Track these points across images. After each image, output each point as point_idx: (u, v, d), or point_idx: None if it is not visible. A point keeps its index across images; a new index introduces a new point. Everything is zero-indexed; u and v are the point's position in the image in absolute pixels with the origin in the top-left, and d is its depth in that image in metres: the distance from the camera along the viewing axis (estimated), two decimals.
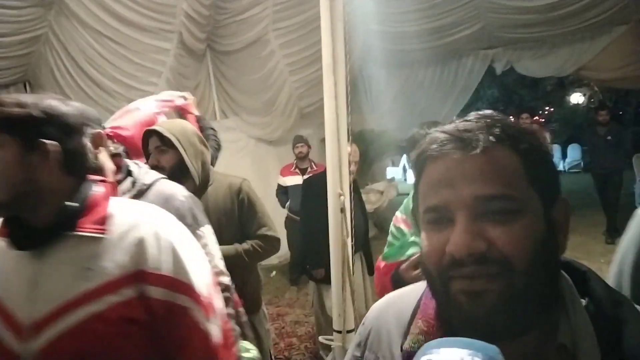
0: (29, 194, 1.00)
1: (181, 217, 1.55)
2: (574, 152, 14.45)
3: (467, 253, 0.59)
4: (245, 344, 1.68)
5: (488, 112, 0.68)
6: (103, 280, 1.00)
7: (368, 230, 3.61)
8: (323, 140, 2.65)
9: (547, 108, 17.55)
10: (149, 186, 1.59)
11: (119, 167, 1.57)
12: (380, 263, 1.87)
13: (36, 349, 0.97)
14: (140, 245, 1.04)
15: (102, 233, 1.03)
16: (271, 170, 6.09)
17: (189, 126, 2.18)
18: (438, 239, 0.63)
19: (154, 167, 1.99)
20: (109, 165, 1.55)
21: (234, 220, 2.28)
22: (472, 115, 0.67)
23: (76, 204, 1.04)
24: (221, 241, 2.00)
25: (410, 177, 12.95)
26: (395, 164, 13.67)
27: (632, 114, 11.82)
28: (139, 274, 1.03)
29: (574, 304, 0.64)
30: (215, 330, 1.13)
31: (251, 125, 6.37)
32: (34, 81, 4.90)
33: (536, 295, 0.61)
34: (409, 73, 7.25)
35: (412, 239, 1.78)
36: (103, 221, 1.05)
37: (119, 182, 1.55)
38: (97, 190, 1.09)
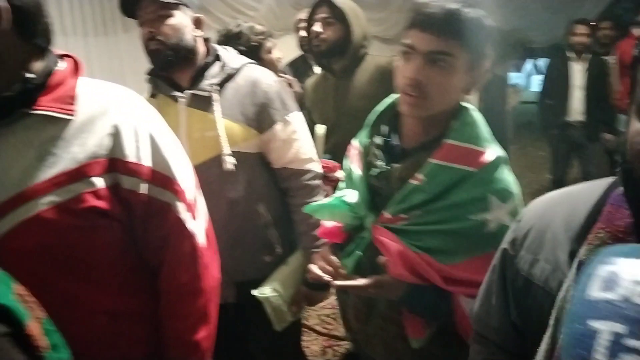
0: None
1: (269, 101, 1.57)
2: None
3: None
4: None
5: None
6: (68, 166, 0.89)
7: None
8: None
9: None
10: (237, 70, 1.59)
11: (208, 51, 1.60)
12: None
13: None
14: (114, 130, 0.93)
15: (69, 114, 0.90)
16: None
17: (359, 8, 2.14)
18: None
19: (315, 36, 2.03)
20: (201, 48, 1.58)
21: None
22: None
23: (36, 77, 0.90)
24: (358, 131, 2.01)
25: (535, 84, 11.92)
26: (518, 69, 12.59)
27: None
28: (113, 162, 0.93)
29: None
30: (200, 231, 1.05)
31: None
32: None
33: None
34: None
35: (346, 194, 1.19)
36: (70, 100, 0.91)
37: (208, 65, 1.57)
38: (63, 65, 0.95)
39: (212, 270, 1.08)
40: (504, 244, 0.79)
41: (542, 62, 12.73)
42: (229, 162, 1.52)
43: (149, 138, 0.98)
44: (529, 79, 12.44)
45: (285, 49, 3.67)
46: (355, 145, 1.21)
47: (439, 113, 1.06)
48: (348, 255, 1.18)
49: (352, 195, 1.16)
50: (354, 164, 1.20)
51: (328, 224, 1.27)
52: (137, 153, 0.95)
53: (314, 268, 1.18)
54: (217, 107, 1.53)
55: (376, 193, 1.14)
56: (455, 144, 1.03)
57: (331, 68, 2.15)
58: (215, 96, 1.53)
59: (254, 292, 1.61)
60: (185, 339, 1.04)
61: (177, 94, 1.55)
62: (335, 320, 2.98)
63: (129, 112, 0.97)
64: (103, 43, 4.83)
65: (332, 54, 2.08)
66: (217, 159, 1.53)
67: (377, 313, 1.20)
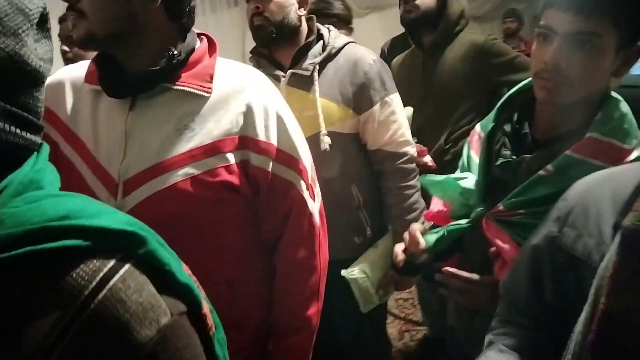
0: (129, 33, 0.89)
1: (369, 81, 1.55)
2: None
3: None
4: None
5: None
6: (203, 141, 0.93)
7: None
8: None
9: None
10: (338, 50, 1.58)
11: (310, 30, 1.60)
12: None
13: (130, 207, 0.91)
14: (247, 110, 0.97)
15: (207, 92, 0.95)
16: None
17: None
18: None
19: (410, 1, 2.01)
20: (304, 28, 1.58)
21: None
22: None
23: (180, 54, 0.94)
24: (445, 112, 1.97)
25: (637, 67, 10.90)
26: None
27: None
28: (244, 140, 0.96)
29: None
30: (316, 211, 1.08)
31: None
32: None
33: None
34: None
35: (465, 177, 1.13)
36: (208, 79, 0.96)
37: (310, 45, 1.57)
38: (202, 45, 1.00)
39: (324, 249, 1.13)
40: (548, 223, 0.81)
41: None
42: (326, 142, 1.52)
43: (276, 118, 1.01)
44: None
45: (371, 28, 3.61)
46: (478, 131, 1.15)
47: (581, 102, 0.95)
48: (433, 233, 1.16)
49: (470, 180, 1.10)
50: (473, 150, 1.14)
51: (435, 207, 1.24)
52: (267, 132, 0.98)
53: (399, 248, 1.18)
54: (316, 86, 1.53)
55: (496, 184, 1.06)
56: (597, 137, 0.93)
57: (421, 42, 2.08)
58: (315, 75, 1.53)
59: (343, 272, 1.61)
60: (297, 313, 1.09)
61: (279, 73, 1.57)
62: (413, 306, 2.95)
63: (260, 92, 1.01)
64: None
65: (423, 23, 2.02)
66: (314, 139, 1.53)
67: (482, 315, 1.15)
